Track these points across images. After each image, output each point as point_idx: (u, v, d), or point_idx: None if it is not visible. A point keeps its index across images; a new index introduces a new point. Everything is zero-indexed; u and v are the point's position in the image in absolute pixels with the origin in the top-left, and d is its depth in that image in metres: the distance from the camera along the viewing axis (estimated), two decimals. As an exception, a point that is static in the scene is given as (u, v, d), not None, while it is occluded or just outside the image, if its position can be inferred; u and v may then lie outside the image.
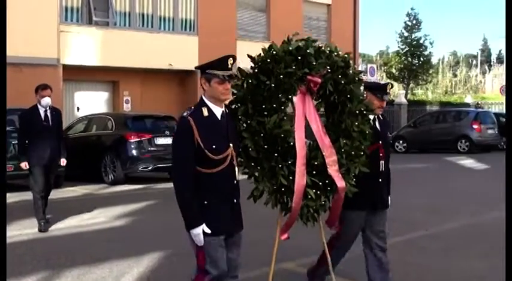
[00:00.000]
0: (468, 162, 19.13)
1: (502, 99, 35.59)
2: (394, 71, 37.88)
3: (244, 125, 4.09)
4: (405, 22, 37.16)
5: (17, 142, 9.44)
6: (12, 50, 14.17)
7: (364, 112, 4.52)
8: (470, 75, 61.49)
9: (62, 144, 8.51)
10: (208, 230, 3.61)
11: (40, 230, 8.03)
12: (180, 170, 3.65)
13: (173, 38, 20.62)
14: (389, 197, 4.96)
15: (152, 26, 20.38)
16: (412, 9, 37.83)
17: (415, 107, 32.10)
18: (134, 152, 13.42)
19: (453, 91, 54.18)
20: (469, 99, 44.40)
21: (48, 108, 8.22)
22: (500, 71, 61.50)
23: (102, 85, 20.36)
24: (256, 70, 4.20)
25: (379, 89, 4.84)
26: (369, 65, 30.54)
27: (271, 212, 4.66)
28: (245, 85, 4.17)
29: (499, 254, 6.58)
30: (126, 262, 6.34)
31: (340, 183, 4.34)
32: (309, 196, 4.26)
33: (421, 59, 36.67)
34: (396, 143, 24.04)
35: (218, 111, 3.73)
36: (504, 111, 30.99)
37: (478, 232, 7.93)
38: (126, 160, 13.43)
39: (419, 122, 25.08)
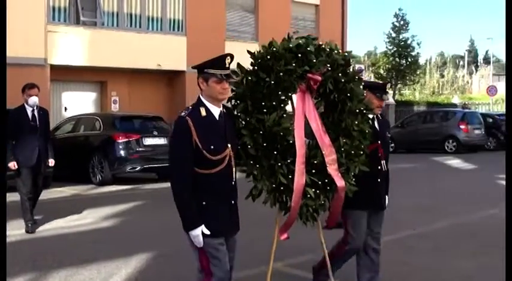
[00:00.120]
0: (455, 162, 19.25)
1: (489, 99, 35.89)
2: (381, 71, 38.02)
3: (243, 122, 4.05)
4: (393, 23, 37.30)
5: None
6: (-1, 50, 14.06)
7: (364, 111, 4.51)
8: (457, 75, 61.84)
9: (50, 144, 8.46)
10: (207, 232, 3.57)
11: (27, 232, 7.98)
12: (178, 170, 3.60)
13: (161, 38, 20.57)
14: (386, 197, 4.95)
15: (140, 26, 20.32)
16: (399, 10, 38.01)
17: (402, 108, 32.26)
18: (122, 152, 13.38)
19: (440, 92, 54.47)
20: (456, 99, 44.72)
21: (35, 108, 8.17)
22: (486, 71, 61.99)
23: (90, 85, 20.27)
24: (256, 67, 4.17)
25: (378, 88, 4.83)
26: (357, 66, 30.62)
27: (269, 211, 4.64)
28: (244, 82, 4.13)
29: (486, 254, 6.64)
30: (114, 263, 6.31)
31: (340, 182, 4.32)
32: (308, 195, 4.24)
33: (409, 59, 36.81)
34: (384, 143, 24.10)
35: (216, 111, 3.68)
36: (490, 111, 31.29)
37: (466, 232, 7.98)
38: (114, 161, 13.38)
39: (407, 122, 25.21)
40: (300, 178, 4.15)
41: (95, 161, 13.65)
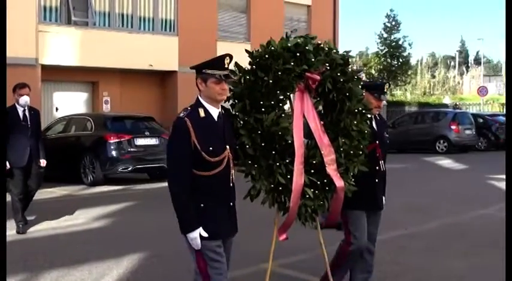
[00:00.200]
0: (446, 162, 19.33)
1: (479, 100, 36.08)
2: (373, 71, 38.13)
3: (241, 122, 4.02)
4: (384, 23, 37.45)
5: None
6: (-10, 49, 13.98)
7: (363, 111, 4.49)
8: (448, 76, 62.06)
9: (41, 144, 8.41)
10: (205, 234, 3.52)
11: (18, 232, 7.95)
12: (176, 172, 3.54)
13: (153, 39, 20.53)
14: (383, 198, 4.94)
15: (132, 26, 20.27)
16: (391, 10, 38.10)
17: (394, 108, 32.35)
18: (114, 153, 13.35)
19: (431, 92, 54.67)
20: (447, 100, 44.92)
21: (26, 108, 8.13)
22: (477, 72, 62.28)
23: (81, 85, 20.20)
24: (254, 66, 4.14)
25: (376, 89, 4.81)
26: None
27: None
28: (242, 81, 4.11)
29: (477, 254, 6.67)
30: (105, 263, 6.30)
31: (339, 182, 4.30)
32: (307, 196, 4.21)
33: (400, 60, 36.97)
34: (375, 144, 24.20)
35: (215, 112, 3.64)
36: (481, 112, 31.44)
37: (457, 232, 8.01)
38: (105, 161, 13.35)
39: (398, 122, 25.28)
40: (298, 178, 4.13)
41: (86, 162, 13.61)
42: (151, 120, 14.83)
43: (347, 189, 4.38)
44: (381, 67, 37.07)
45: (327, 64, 4.35)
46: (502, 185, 12.96)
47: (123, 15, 20.10)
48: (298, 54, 4.20)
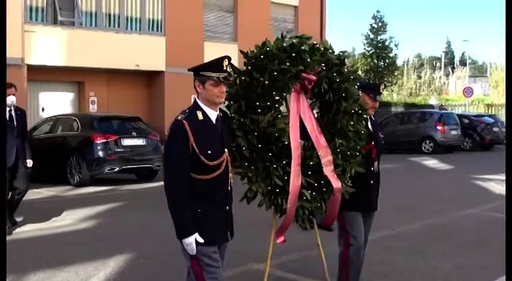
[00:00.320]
0: (432, 162, 19.45)
1: (465, 101, 36.32)
2: (360, 72, 38.24)
3: (237, 123, 3.98)
4: (371, 24, 37.60)
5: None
6: (-25, 49, 13.88)
7: (359, 112, 4.47)
8: (434, 77, 62.45)
9: (27, 145, 8.36)
10: (201, 240, 3.45)
11: (4, 233, 7.89)
12: (173, 175, 3.45)
13: (140, 39, 20.49)
14: (377, 199, 4.93)
15: (119, 26, 20.21)
16: (377, 11, 38.16)
17: (380, 109, 32.41)
18: (100, 153, 13.28)
19: (417, 93, 54.97)
20: (433, 100, 45.20)
21: (12, 108, 8.08)
22: (463, 73, 62.68)
23: (68, 86, 20.10)
24: (249, 67, 4.10)
25: (372, 89, 4.78)
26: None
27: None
28: (238, 82, 4.07)
29: (463, 254, 6.73)
30: (92, 264, 6.27)
31: (336, 184, 4.28)
32: (305, 197, 4.19)
33: (387, 61, 37.14)
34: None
35: (213, 115, 3.57)
36: (466, 112, 31.65)
37: (443, 232, 8.07)
38: (92, 162, 13.28)
39: (385, 123, 25.38)
40: (295, 180, 4.11)
41: (72, 162, 13.53)
42: (138, 120, 14.78)
43: (344, 190, 4.36)
44: (368, 68, 37.20)
45: (323, 64, 4.32)
46: (487, 185, 13.09)
47: (109, 15, 20.04)
48: (293, 54, 4.17)
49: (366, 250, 4.98)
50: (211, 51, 21.20)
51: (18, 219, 8.53)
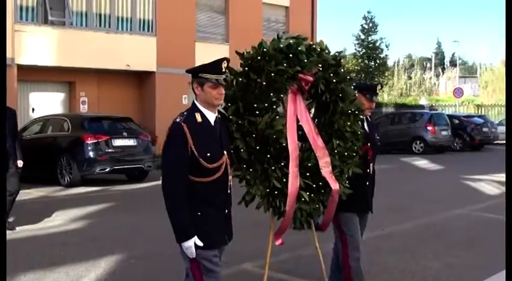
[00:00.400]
0: (423, 163, 19.54)
1: (455, 101, 36.51)
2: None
3: (235, 125, 3.96)
4: (362, 25, 37.73)
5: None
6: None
7: (356, 112, 4.46)
8: (424, 77, 62.79)
9: (18, 145, 8.34)
10: (200, 243, 3.41)
11: (-6, 234, 7.86)
12: (172, 177, 3.40)
13: (131, 39, 20.43)
14: (372, 200, 4.92)
15: (110, 26, 20.14)
16: (368, 12, 38.27)
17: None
18: (91, 153, 13.25)
19: (408, 93, 55.22)
20: (423, 101, 45.41)
21: (2, 108, 8.04)
22: (453, 74, 63.04)
23: (58, 86, 20.01)
24: (246, 68, 4.08)
25: (368, 90, 4.76)
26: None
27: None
28: (235, 84, 4.05)
29: (453, 254, 6.77)
30: (83, 265, 6.26)
31: (334, 185, 4.27)
32: (303, 199, 4.18)
33: (377, 61, 37.26)
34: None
35: (211, 117, 3.54)
36: (457, 113, 31.82)
37: (433, 232, 8.11)
38: (82, 162, 13.24)
39: (375, 123, 25.43)
40: (294, 181, 4.09)
41: (63, 163, 13.49)
42: (129, 120, 14.75)
43: (341, 191, 4.35)
44: (358, 68, 37.31)
45: (320, 65, 4.32)
46: (477, 185, 13.16)
47: (100, 15, 19.96)
48: (290, 55, 4.16)
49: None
50: (203, 52, 21.19)
51: (10, 219, 8.50)
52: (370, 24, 37.58)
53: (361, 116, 4.57)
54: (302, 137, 4.33)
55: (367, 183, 4.76)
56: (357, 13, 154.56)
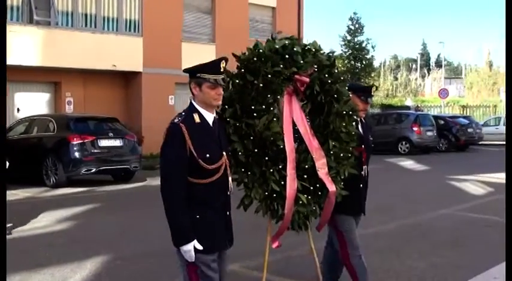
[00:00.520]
0: (408, 163, 19.65)
1: (440, 102, 36.76)
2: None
3: (233, 127, 3.92)
4: (348, 26, 37.78)
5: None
6: None
7: (350, 113, 4.44)
8: (410, 78, 63.12)
9: (2, 146, 8.28)
10: (200, 247, 3.33)
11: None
12: (170, 179, 3.32)
13: (117, 39, 20.35)
14: (365, 203, 4.91)
15: (96, 26, 20.05)
16: (354, 13, 38.31)
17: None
18: (77, 154, 13.18)
19: (394, 94, 55.47)
20: (409, 102, 45.64)
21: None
22: (438, 74, 63.46)
23: (44, 86, 19.89)
24: (242, 70, 4.05)
25: (363, 91, 4.74)
26: (313, 68, 30.80)
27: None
28: (231, 86, 4.02)
29: (438, 254, 6.81)
30: (68, 266, 6.23)
31: (331, 187, 4.26)
32: (300, 202, 4.16)
33: (364, 62, 37.34)
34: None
35: (210, 117, 3.48)
36: (442, 114, 32.04)
37: (418, 232, 8.16)
38: (68, 163, 13.17)
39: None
40: (292, 183, 4.07)
41: (48, 163, 13.41)
42: (115, 121, 14.69)
43: (337, 193, 4.34)
44: (345, 69, 37.39)
45: (315, 66, 4.31)
46: (462, 185, 13.26)
47: (86, 15, 19.87)
48: (286, 56, 4.14)
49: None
50: (189, 52, 21.17)
51: None
52: (357, 25, 37.63)
53: (356, 117, 4.55)
54: (298, 138, 4.31)
55: (361, 185, 4.74)
56: (343, 14, 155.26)
